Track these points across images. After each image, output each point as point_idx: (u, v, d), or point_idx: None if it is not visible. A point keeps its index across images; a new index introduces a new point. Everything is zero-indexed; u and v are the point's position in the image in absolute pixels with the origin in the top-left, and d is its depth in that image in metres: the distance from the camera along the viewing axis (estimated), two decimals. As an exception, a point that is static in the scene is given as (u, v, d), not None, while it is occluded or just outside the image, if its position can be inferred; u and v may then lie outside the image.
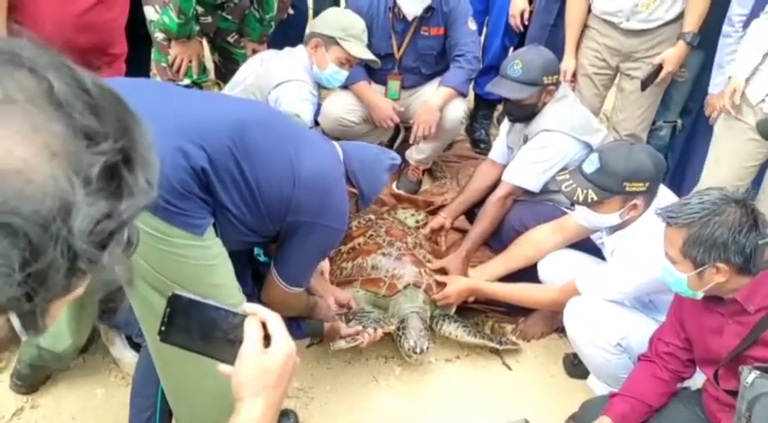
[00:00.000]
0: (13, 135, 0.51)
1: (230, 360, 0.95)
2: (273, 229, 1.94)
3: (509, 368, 2.68)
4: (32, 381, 2.33)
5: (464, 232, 3.13)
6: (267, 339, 0.96)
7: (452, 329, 2.64)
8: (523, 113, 2.85)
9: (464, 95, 3.38)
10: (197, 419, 1.92)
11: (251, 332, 0.95)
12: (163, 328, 0.98)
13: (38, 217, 0.50)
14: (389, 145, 3.71)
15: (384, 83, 3.42)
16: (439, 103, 3.24)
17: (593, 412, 2.10)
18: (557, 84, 2.84)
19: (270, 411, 0.95)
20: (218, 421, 1.85)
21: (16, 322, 0.54)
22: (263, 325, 0.96)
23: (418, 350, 2.44)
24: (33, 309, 0.54)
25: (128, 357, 2.40)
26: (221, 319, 0.97)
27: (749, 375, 1.71)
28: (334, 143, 2.17)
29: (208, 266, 1.74)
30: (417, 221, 3.25)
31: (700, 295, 1.88)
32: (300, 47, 2.90)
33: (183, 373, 1.84)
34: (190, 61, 3.06)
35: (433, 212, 3.26)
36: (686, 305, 1.99)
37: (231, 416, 0.95)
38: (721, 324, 1.89)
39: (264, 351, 0.95)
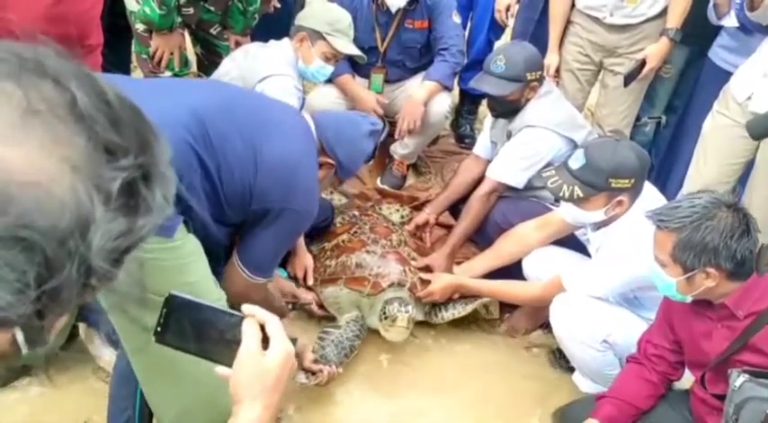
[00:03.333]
0: (34, 146, 0.50)
1: (228, 362, 0.95)
2: (236, 219, 1.89)
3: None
4: (7, 378, 2.30)
5: (449, 228, 3.12)
6: (265, 341, 0.96)
7: (453, 312, 2.67)
8: (506, 109, 2.84)
9: (449, 89, 3.37)
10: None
11: (249, 334, 0.95)
12: (159, 329, 0.97)
13: (56, 232, 0.49)
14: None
15: (368, 76, 3.39)
16: (424, 98, 3.22)
17: (581, 413, 2.11)
18: (540, 80, 2.82)
19: (267, 413, 0.94)
20: None
21: (20, 337, 0.53)
22: (261, 327, 0.96)
23: (404, 311, 2.43)
24: (42, 325, 0.53)
25: (107, 355, 2.36)
26: (218, 320, 0.96)
27: (738, 379, 1.71)
28: (306, 115, 2.11)
29: (181, 265, 1.70)
30: (402, 217, 3.23)
31: (689, 299, 1.88)
32: (286, 40, 2.86)
33: (161, 381, 1.79)
34: (171, 54, 3.00)
35: (418, 208, 3.24)
36: (675, 308, 1.98)
37: (228, 419, 0.95)
38: (710, 328, 1.89)
39: (263, 353, 0.95)
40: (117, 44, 2.99)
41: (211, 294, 1.74)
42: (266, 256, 1.99)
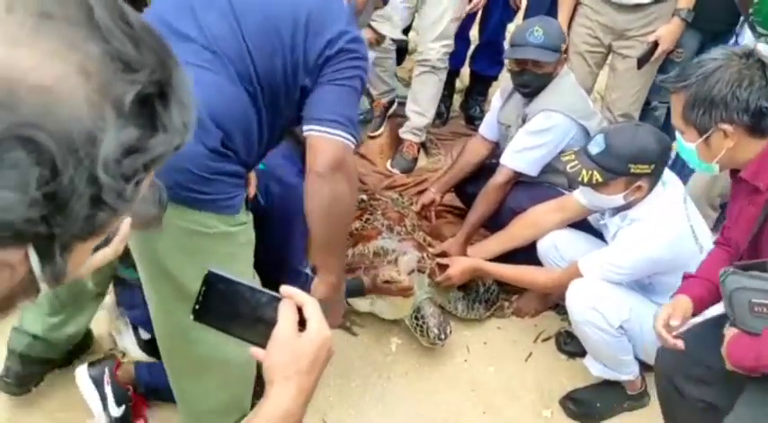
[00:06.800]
0: (47, 51, 0.49)
1: (263, 343, 0.93)
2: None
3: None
4: (24, 379, 2.16)
5: (453, 208, 3.13)
6: (302, 324, 0.93)
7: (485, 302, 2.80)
8: (541, 84, 2.75)
9: None
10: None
11: (285, 315, 0.92)
12: (197, 307, 0.95)
13: (63, 135, 0.48)
14: (386, 107, 3.70)
15: None
16: None
17: (592, 398, 2.24)
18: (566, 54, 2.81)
19: (301, 397, 0.91)
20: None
21: (33, 256, 0.51)
22: (300, 310, 0.94)
23: (443, 337, 2.46)
24: (52, 238, 0.50)
25: (130, 346, 2.31)
26: (256, 301, 0.94)
27: (723, 274, 1.61)
28: None
29: (229, 254, 1.67)
30: (403, 204, 3.22)
31: (715, 168, 1.72)
32: None
33: (190, 376, 1.80)
34: None
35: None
36: (733, 190, 1.83)
37: (260, 401, 0.93)
38: (741, 208, 1.73)
39: (298, 335, 0.92)
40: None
41: None
42: (338, 101, 1.63)
